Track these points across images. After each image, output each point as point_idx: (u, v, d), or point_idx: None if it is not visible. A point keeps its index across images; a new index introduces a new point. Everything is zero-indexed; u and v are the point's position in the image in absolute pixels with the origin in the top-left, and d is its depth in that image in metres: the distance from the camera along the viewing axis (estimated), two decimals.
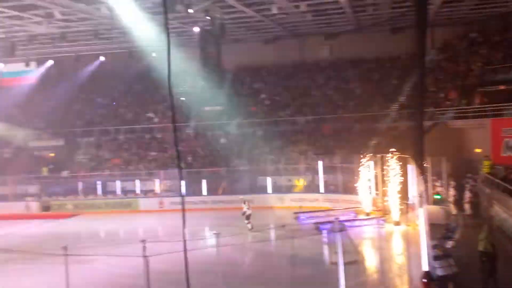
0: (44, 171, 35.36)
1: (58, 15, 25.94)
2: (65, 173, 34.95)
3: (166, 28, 6.21)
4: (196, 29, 25.30)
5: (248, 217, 23.27)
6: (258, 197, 29.61)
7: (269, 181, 30.37)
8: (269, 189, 30.41)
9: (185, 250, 7.14)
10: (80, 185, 32.87)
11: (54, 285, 15.28)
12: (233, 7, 26.24)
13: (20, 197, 33.33)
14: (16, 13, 24.83)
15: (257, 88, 38.47)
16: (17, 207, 32.22)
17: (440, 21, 32.46)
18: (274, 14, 28.52)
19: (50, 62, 37.50)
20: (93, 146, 37.23)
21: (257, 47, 37.39)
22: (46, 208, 32.20)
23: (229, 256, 17.95)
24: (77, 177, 34.15)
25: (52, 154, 37.40)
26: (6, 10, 24.29)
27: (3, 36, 27.76)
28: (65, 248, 12.14)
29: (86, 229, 27.19)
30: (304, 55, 38.46)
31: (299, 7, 27.38)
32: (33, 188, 33.90)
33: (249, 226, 23.15)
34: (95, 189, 32.52)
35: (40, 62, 37.99)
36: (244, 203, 23.60)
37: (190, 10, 23.21)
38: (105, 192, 32.61)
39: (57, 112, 39.46)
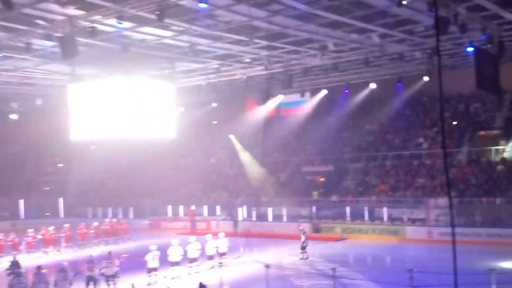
0: (315, 195, 37.32)
1: (331, 47, 27.37)
2: (334, 198, 36.31)
3: (438, 50, 5.84)
4: (471, 49, 23.70)
5: (303, 248, 24.20)
6: None
7: None
8: None
9: (455, 285, 6.53)
10: (348, 210, 33.70)
11: None
12: None
13: (294, 218, 35.76)
14: (293, 47, 27.09)
15: None
16: (291, 227, 34.63)
17: None
18: None
19: (323, 92, 39.70)
20: (360, 172, 37.90)
21: None
22: (316, 230, 33.82)
23: None
24: (345, 202, 35.13)
25: (322, 179, 39.32)
26: (285, 46, 26.70)
27: (282, 70, 30.53)
28: (333, 269, 12.40)
29: (353, 253, 27.59)
30: None
31: None
32: (305, 211, 36.05)
33: (304, 256, 24.03)
34: (362, 214, 32.92)
35: (314, 92, 40.54)
36: (304, 233, 24.60)
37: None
38: (372, 217, 32.72)
39: (327, 139, 41.50)
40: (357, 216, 33.24)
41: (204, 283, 14.61)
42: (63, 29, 20.03)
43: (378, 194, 34.72)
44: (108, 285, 19.12)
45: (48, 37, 20.71)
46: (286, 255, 26.62)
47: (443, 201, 29.84)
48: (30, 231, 29.19)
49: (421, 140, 37.08)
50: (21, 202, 44.59)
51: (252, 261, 22.37)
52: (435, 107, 37.95)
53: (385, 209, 32.20)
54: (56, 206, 44.18)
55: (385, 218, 32.03)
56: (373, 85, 36.82)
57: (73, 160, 46.40)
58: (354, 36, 25.30)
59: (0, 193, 46.37)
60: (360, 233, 32.09)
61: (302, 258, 24.22)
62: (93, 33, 19.97)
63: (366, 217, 32.72)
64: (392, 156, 37.20)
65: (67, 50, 19.59)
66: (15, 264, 20.33)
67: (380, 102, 40.01)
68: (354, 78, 36.11)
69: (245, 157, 42.84)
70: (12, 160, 48.87)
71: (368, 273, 20.39)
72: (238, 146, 43.82)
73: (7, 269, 19.99)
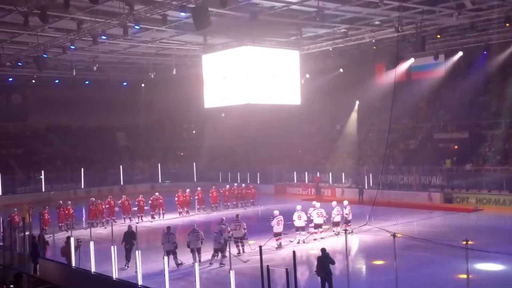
0: (448, 163, 35.55)
1: (469, 5, 25.44)
2: (468, 166, 34.33)
3: None
4: None
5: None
6: None
7: None
8: None
9: None
10: (484, 179, 31.70)
11: (452, 276, 15.23)
12: None
13: (424, 187, 34.49)
14: (427, 7, 25.56)
15: None
16: (420, 196, 33.50)
17: None
18: None
19: (459, 54, 37.19)
20: (499, 139, 35.29)
21: None
22: (448, 199, 32.36)
23: None
24: (481, 171, 33.08)
25: (456, 147, 37.29)
26: (418, 6, 25.27)
27: (414, 31, 28.98)
28: (466, 241, 11.81)
29: (488, 225, 26.07)
30: None
31: None
32: (436, 179, 34.58)
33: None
34: (500, 184, 30.80)
35: (448, 54, 38.09)
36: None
37: None
38: (511, 188, 30.50)
39: (463, 104, 39.05)
40: (494, 186, 31.20)
41: (326, 249, 14.64)
42: (196, 0, 20.80)
43: None
44: (237, 246, 20.04)
45: (182, 8, 21.69)
46: (414, 225, 25.88)
47: None
48: (141, 196, 30.43)
49: None
50: (159, 166, 47.77)
51: (377, 230, 22.04)
52: None
53: None
54: (190, 170, 46.69)
55: None
56: None
57: (205, 127, 48.66)
58: None
59: (141, 157, 50.31)
60: (497, 204, 30.14)
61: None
62: (223, 2, 20.39)
63: (505, 187, 30.56)
64: None
65: (200, 20, 20.33)
66: (129, 235, 18.86)
67: None
68: (493, 38, 33.32)
69: (370, 123, 41.89)
70: (152, 127, 52.70)
71: (503, 246, 19.17)
72: (360, 114, 42.96)
73: (123, 241, 18.78)
